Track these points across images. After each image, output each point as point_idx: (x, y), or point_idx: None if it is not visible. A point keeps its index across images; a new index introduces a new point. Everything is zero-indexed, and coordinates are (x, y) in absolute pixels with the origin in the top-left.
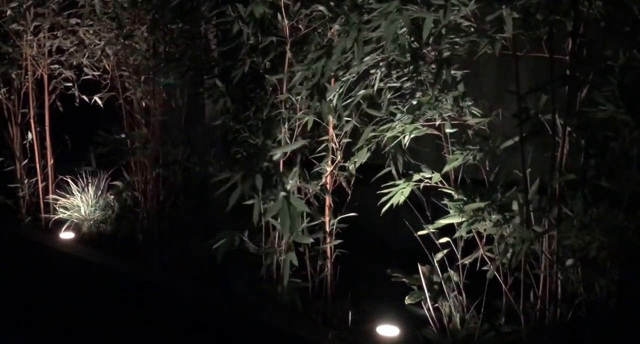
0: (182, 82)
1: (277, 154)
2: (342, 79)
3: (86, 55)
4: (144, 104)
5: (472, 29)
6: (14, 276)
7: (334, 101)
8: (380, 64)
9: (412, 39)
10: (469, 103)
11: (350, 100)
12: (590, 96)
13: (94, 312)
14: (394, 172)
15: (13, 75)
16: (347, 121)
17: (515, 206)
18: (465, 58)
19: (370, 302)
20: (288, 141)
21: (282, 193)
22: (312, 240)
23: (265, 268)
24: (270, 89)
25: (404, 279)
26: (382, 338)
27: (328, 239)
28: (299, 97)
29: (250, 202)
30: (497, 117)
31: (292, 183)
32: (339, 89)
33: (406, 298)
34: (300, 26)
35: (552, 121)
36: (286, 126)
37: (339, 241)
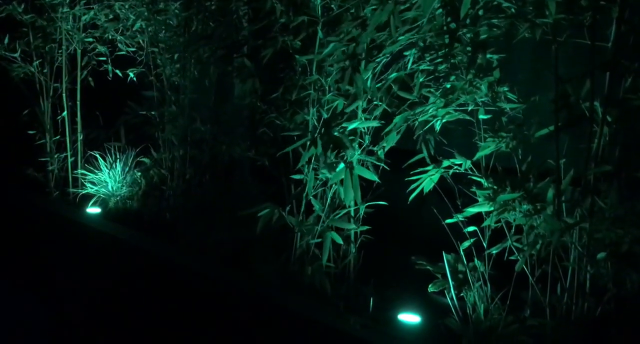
0: (213, 60)
1: (350, 127)
2: (376, 60)
3: (120, 30)
4: (174, 81)
5: (513, 11)
6: (41, 249)
7: (368, 82)
8: (415, 45)
9: (449, 19)
10: (505, 89)
11: (382, 83)
12: (635, 85)
13: (116, 288)
14: (426, 157)
15: (47, 49)
16: (377, 105)
17: (549, 196)
18: (501, 42)
19: (393, 289)
20: (316, 124)
21: (347, 161)
22: (354, 226)
23: (295, 250)
24: (300, 70)
25: (428, 267)
26: (403, 325)
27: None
28: (329, 78)
29: (298, 176)
30: (533, 104)
31: (356, 154)
32: (373, 69)
33: (429, 286)
34: (332, 6)
35: (591, 109)
36: (315, 108)
37: (366, 227)
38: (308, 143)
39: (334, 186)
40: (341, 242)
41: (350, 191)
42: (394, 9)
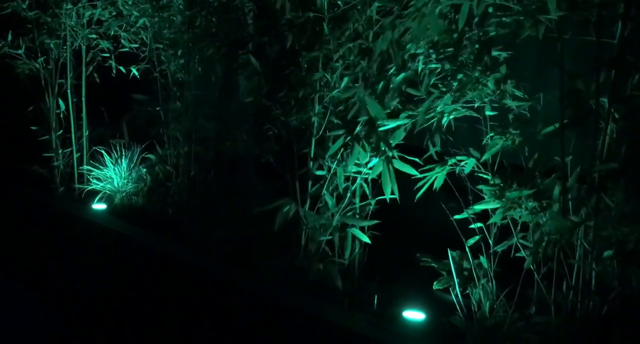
0: (217, 57)
1: (389, 126)
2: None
3: (123, 27)
4: (178, 78)
5: (519, 8)
6: (46, 246)
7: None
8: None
9: (457, 17)
10: (511, 86)
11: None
12: None
13: (121, 285)
14: (433, 154)
15: (51, 45)
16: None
17: (555, 194)
18: (508, 39)
19: (398, 285)
20: (321, 120)
21: (386, 155)
22: (367, 222)
23: (302, 247)
24: (306, 66)
25: (433, 264)
26: (408, 322)
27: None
28: (335, 75)
29: (320, 172)
30: (539, 101)
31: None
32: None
33: (434, 283)
34: (338, 2)
35: (597, 105)
36: (320, 105)
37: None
38: (347, 140)
39: (358, 180)
40: (367, 240)
41: (388, 184)
42: (392, 36)
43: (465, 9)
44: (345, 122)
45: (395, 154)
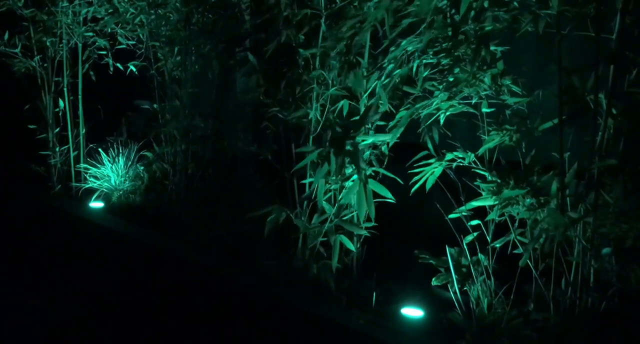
0: (214, 54)
1: (364, 143)
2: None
3: (120, 24)
4: (175, 75)
5: (516, 4)
6: (43, 245)
7: (377, 85)
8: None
9: (453, 11)
10: (508, 82)
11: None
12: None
13: (118, 283)
14: (431, 150)
15: (47, 44)
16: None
17: (553, 190)
18: (505, 34)
19: (397, 283)
20: (319, 118)
21: (360, 175)
22: (364, 231)
23: (298, 247)
24: (303, 64)
25: (431, 261)
26: (406, 319)
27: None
28: (332, 73)
29: (308, 180)
30: (538, 96)
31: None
32: (379, 76)
33: (433, 279)
34: None
35: (595, 101)
36: (318, 102)
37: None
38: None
39: (344, 190)
40: (353, 248)
41: (364, 206)
42: (389, 6)
43: None
44: (342, 120)
45: (372, 171)
